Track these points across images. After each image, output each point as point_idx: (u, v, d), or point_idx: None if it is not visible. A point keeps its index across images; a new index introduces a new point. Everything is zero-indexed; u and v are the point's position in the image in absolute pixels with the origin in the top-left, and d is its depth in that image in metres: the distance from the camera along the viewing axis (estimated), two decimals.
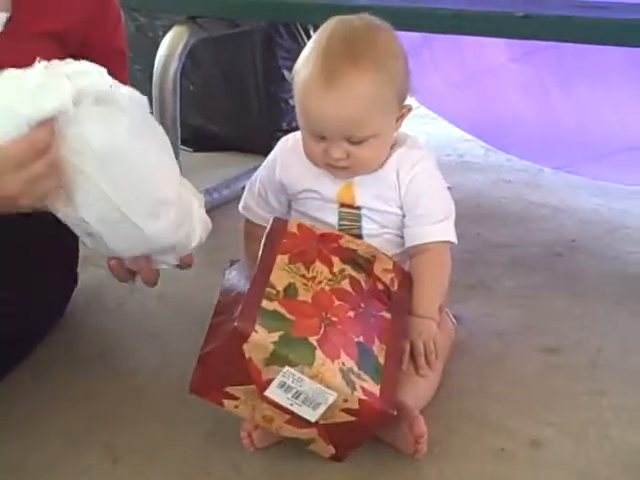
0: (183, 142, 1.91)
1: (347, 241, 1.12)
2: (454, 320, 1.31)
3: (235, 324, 0.92)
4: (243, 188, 1.36)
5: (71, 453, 1.09)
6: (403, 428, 1.01)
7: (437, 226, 1.19)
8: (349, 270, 1.08)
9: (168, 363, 1.29)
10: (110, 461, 1.07)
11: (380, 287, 1.09)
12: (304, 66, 1.12)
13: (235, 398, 0.97)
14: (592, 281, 1.58)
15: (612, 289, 1.54)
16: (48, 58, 0.95)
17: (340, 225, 1.20)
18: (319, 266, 1.06)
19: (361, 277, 1.08)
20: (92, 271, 1.61)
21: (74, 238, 1.43)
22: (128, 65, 1.39)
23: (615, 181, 2.02)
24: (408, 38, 1.97)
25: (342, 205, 1.20)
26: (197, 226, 1.11)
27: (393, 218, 1.21)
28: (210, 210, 1.93)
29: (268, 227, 1.10)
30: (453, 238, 1.20)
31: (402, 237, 1.22)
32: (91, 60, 1.23)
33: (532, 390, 1.21)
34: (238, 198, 1.36)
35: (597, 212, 1.94)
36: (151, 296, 1.52)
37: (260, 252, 1.05)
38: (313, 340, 0.95)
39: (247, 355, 0.92)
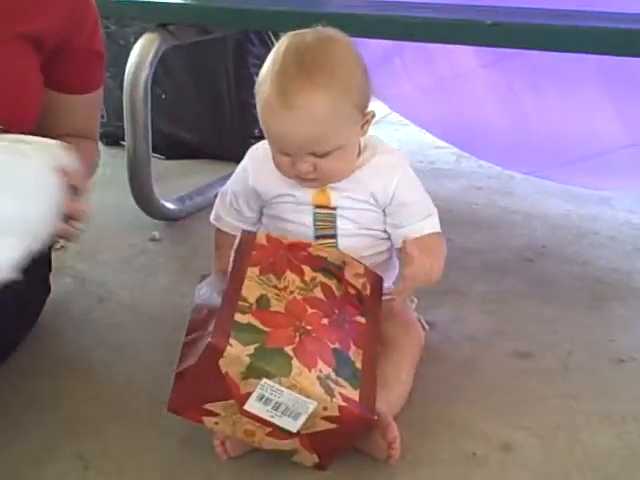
0: (155, 150, 1.90)
1: (316, 249, 1.13)
2: (426, 326, 1.31)
3: (209, 340, 0.91)
4: (215, 195, 1.35)
5: (43, 461, 1.08)
6: (376, 434, 1.01)
7: (427, 220, 1.21)
8: (320, 277, 1.08)
9: (140, 372, 1.29)
10: (82, 468, 1.06)
11: (352, 292, 1.09)
12: (262, 84, 1.12)
13: (215, 414, 0.97)
14: (563, 286, 1.59)
15: (582, 294, 1.55)
16: (22, 61, 0.94)
17: (315, 225, 1.21)
18: (290, 276, 1.05)
19: (332, 283, 1.08)
20: (61, 280, 1.61)
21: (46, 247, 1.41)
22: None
23: (585, 186, 2.04)
24: (380, 46, 2.00)
25: (317, 206, 1.21)
26: None
27: (369, 215, 1.21)
28: (183, 218, 1.95)
29: (237, 241, 1.10)
30: (440, 229, 1.23)
31: (378, 237, 1.23)
32: (70, 63, 1.23)
33: (503, 394, 1.22)
34: (211, 206, 1.36)
35: (567, 218, 1.96)
36: (122, 305, 1.52)
37: (230, 266, 1.05)
38: (289, 350, 0.94)
39: (224, 370, 0.92)
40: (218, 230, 1.32)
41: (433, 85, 2.14)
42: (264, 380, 0.92)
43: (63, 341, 1.40)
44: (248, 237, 1.11)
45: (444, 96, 2.18)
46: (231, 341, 0.92)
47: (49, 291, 1.45)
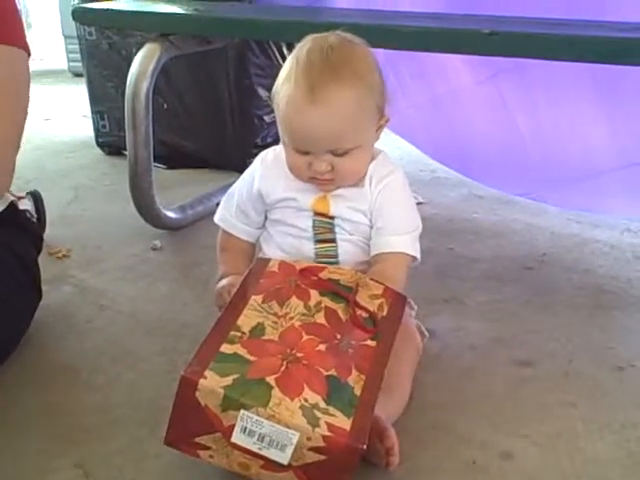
0: (156, 159, 1.91)
1: (329, 272, 1.12)
2: (426, 333, 1.32)
3: (182, 373, 0.91)
4: (217, 204, 1.36)
5: (42, 469, 1.08)
6: (374, 440, 1.01)
7: (396, 238, 1.20)
8: (326, 302, 1.07)
9: (139, 380, 1.29)
10: (82, 476, 1.06)
11: (364, 315, 1.07)
12: (285, 84, 1.14)
13: (207, 448, 0.95)
14: (563, 294, 1.60)
15: (583, 302, 1.56)
16: None
17: (315, 230, 1.22)
18: (294, 301, 1.05)
19: (339, 307, 1.06)
20: (62, 289, 1.62)
21: (31, 248, 1.41)
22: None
23: (580, 209, 2.02)
24: None
25: (316, 214, 1.22)
26: None
27: (364, 229, 1.22)
28: (184, 227, 1.96)
29: (247, 269, 1.11)
30: (412, 252, 1.21)
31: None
32: None
33: (504, 402, 1.22)
34: (212, 214, 1.36)
35: (567, 226, 1.96)
36: (123, 313, 1.52)
37: (232, 295, 1.06)
38: (270, 379, 0.93)
39: (202, 403, 0.91)
40: (223, 232, 1.33)
41: (427, 102, 2.12)
42: (242, 412, 0.90)
43: (64, 349, 1.40)
44: (259, 265, 1.12)
45: (437, 113, 2.16)
46: (206, 373, 0.91)
47: (40, 297, 1.44)
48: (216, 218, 1.33)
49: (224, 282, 1.22)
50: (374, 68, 1.17)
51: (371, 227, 1.22)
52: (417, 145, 2.33)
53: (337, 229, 1.22)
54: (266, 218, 1.29)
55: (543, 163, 1.98)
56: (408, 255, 1.21)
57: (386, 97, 1.19)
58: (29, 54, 1.37)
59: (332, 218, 1.22)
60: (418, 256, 1.22)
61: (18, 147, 1.35)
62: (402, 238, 1.21)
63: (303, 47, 1.15)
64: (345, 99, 1.11)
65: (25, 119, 1.36)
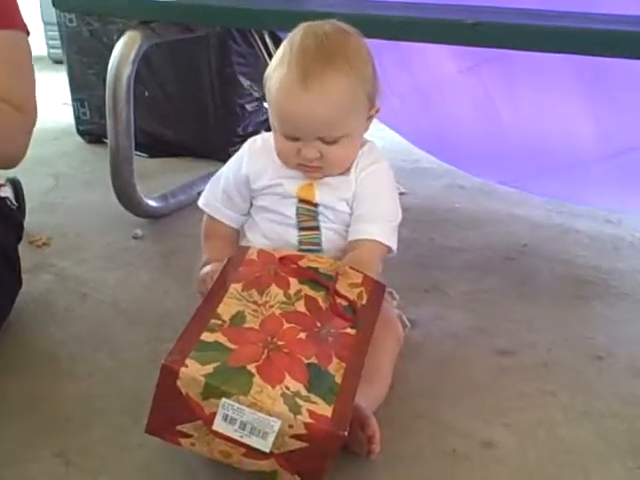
0: (138, 148, 1.89)
1: (309, 260, 1.12)
2: (408, 323, 1.32)
3: (163, 361, 0.91)
4: (199, 193, 1.35)
5: (22, 458, 1.07)
6: (355, 429, 1.01)
7: (374, 226, 1.20)
8: (306, 290, 1.07)
9: (121, 369, 1.28)
10: (63, 465, 1.06)
11: (343, 303, 1.07)
12: (278, 69, 1.14)
13: (188, 436, 0.95)
14: (544, 284, 1.61)
15: (563, 292, 1.57)
16: None
17: (298, 217, 1.22)
18: (274, 290, 1.05)
19: (319, 296, 1.07)
20: (42, 278, 1.60)
21: (11, 236, 1.40)
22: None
23: (562, 198, 2.03)
24: None
25: (300, 201, 1.22)
26: None
27: (346, 217, 1.23)
28: (166, 215, 1.95)
29: (226, 259, 1.11)
30: (388, 242, 1.21)
31: None
32: None
33: (484, 391, 1.23)
34: (194, 203, 1.36)
35: (549, 217, 1.98)
36: (103, 302, 1.51)
37: (212, 284, 1.06)
38: (252, 367, 0.93)
39: (184, 391, 0.91)
40: (208, 217, 1.32)
41: (410, 90, 2.13)
42: (223, 399, 0.90)
43: (44, 338, 1.39)
44: (238, 252, 1.12)
45: (420, 102, 2.16)
46: (187, 361, 0.91)
47: (20, 285, 1.43)
48: (200, 202, 1.33)
49: (207, 269, 1.22)
50: (367, 58, 1.17)
51: (351, 215, 1.22)
52: (401, 133, 2.33)
53: (321, 217, 1.22)
54: (251, 205, 1.29)
55: (525, 152, 1.99)
56: (384, 245, 1.21)
57: (377, 87, 1.19)
58: (28, 34, 1.38)
59: (316, 206, 1.22)
60: (394, 247, 1.22)
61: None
62: (380, 227, 1.20)
63: (297, 33, 1.15)
64: (337, 86, 1.11)
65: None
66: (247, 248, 1.14)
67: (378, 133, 2.35)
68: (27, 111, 1.33)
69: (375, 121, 1.25)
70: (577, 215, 1.97)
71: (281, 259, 1.10)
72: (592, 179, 1.91)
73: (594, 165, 1.86)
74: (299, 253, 1.15)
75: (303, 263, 1.11)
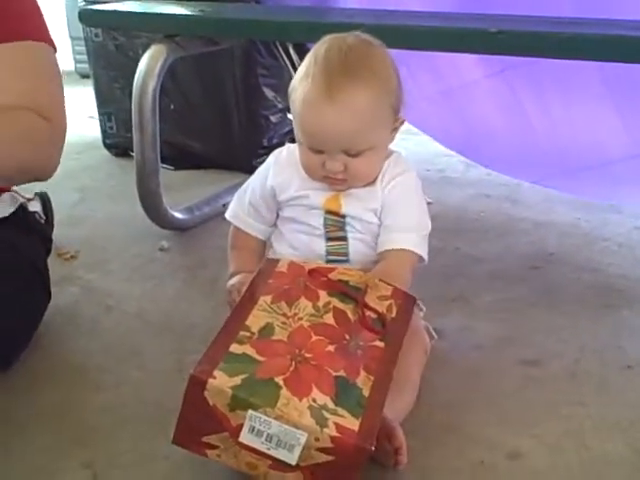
0: (164, 160, 1.91)
1: (339, 273, 1.11)
2: (434, 334, 1.31)
3: (191, 372, 0.91)
4: (224, 205, 1.36)
5: (51, 470, 1.08)
6: (382, 440, 1.01)
7: (403, 235, 1.20)
8: (335, 302, 1.06)
9: (147, 380, 1.29)
10: (90, 477, 1.06)
11: (373, 316, 1.06)
12: (303, 81, 1.14)
13: (215, 447, 0.95)
14: (571, 293, 1.59)
15: (591, 301, 1.55)
16: None
17: (326, 228, 1.22)
18: (303, 302, 1.05)
19: (348, 308, 1.06)
20: (69, 290, 1.62)
21: (41, 249, 1.41)
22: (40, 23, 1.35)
23: (590, 196, 2.04)
24: None
25: (328, 212, 1.22)
26: None
27: (374, 228, 1.22)
28: (191, 228, 1.96)
29: (256, 270, 1.11)
30: (419, 251, 1.20)
31: None
32: None
33: (511, 402, 1.22)
34: (219, 215, 1.37)
35: (576, 225, 1.96)
36: (129, 314, 1.52)
37: (241, 296, 1.06)
38: (279, 380, 0.92)
39: (211, 402, 0.91)
40: (234, 229, 1.33)
41: (439, 94, 2.14)
42: (250, 411, 0.90)
43: (71, 350, 1.40)
44: (268, 264, 1.12)
45: (449, 105, 2.18)
46: (215, 373, 0.91)
47: (49, 297, 1.44)
48: (227, 214, 1.33)
49: (234, 280, 1.22)
50: (391, 70, 1.17)
51: (380, 225, 1.22)
52: (429, 133, 2.33)
53: (348, 227, 1.22)
54: (277, 216, 1.29)
55: (553, 152, 2.00)
56: (414, 253, 1.20)
57: (402, 99, 1.19)
58: (55, 50, 1.36)
59: (343, 217, 1.22)
60: (425, 256, 1.22)
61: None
62: (409, 236, 1.20)
63: (322, 46, 1.15)
64: (361, 99, 1.11)
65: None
66: (277, 260, 1.14)
67: (402, 143, 2.35)
68: (56, 121, 1.30)
69: (407, 126, 1.24)
70: (605, 223, 1.95)
71: (311, 272, 1.10)
72: (621, 178, 1.91)
73: (622, 163, 1.86)
74: (329, 266, 1.15)
75: (333, 276, 1.11)
